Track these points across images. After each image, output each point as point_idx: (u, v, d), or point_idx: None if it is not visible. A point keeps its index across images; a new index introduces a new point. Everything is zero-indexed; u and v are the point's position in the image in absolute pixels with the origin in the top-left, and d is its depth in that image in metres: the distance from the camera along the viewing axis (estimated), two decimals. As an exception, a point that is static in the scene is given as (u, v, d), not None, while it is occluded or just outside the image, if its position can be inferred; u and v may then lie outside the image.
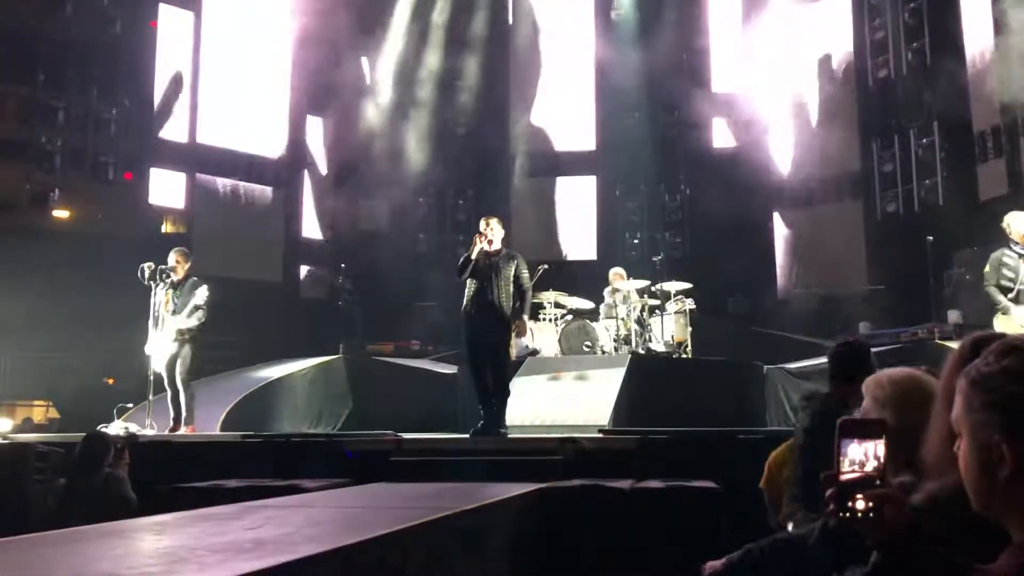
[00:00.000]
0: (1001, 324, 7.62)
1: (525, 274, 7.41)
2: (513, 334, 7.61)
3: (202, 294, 8.40)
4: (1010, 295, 7.59)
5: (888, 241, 15.22)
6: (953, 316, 12.01)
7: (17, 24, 15.28)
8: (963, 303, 12.04)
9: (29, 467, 6.70)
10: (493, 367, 7.34)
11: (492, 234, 7.36)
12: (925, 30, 15.27)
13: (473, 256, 7.29)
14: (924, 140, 15.15)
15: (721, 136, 18.05)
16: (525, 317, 7.54)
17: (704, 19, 18.26)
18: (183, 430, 8.36)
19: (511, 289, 7.24)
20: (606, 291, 11.69)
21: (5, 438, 8.08)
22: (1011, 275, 7.63)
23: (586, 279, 13.17)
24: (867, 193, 16.18)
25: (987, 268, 7.93)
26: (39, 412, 14.25)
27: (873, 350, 10.99)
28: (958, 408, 1.43)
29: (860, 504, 1.43)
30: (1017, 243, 7.63)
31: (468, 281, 7.35)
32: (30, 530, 5.19)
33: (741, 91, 17.70)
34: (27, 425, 12.71)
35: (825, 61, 16.86)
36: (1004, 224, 7.82)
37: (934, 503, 1.62)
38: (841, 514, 1.44)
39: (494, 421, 7.31)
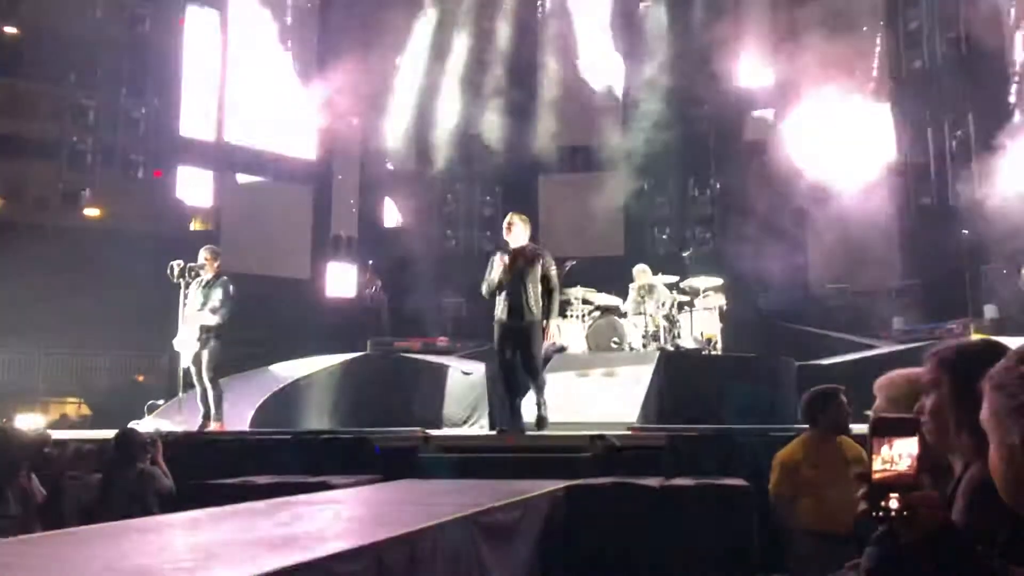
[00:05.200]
0: None
1: (553, 272, 7.32)
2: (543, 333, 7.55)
3: (224, 292, 8.42)
4: None
5: (922, 235, 14.98)
6: (989, 311, 11.81)
7: (48, 25, 15.50)
8: (999, 297, 11.83)
9: (64, 463, 6.77)
10: (526, 368, 7.31)
11: (516, 232, 7.28)
12: (961, 19, 14.99)
13: (495, 279, 7.21)
14: (959, 132, 14.89)
15: (751, 130, 17.86)
16: (554, 320, 7.45)
17: (733, 11, 18.05)
18: (213, 427, 8.42)
19: (539, 288, 7.16)
20: (631, 287, 11.60)
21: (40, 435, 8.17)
22: None
23: (614, 275, 13.08)
24: (901, 186, 15.93)
25: None
26: (72, 409, 14.46)
27: (907, 346, 10.84)
28: (985, 411, 1.42)
29: (894, 504, 1.41)
30: None
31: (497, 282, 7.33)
32: (65, 526, 5.25)
33: (772, 84, 17.50)
34: (64, 422, 12.89)
35: (857, 52, 16.61)
36: None
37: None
38: (874, 514, 1.42)
39: (536, 420, 7.34)
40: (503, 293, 7.21)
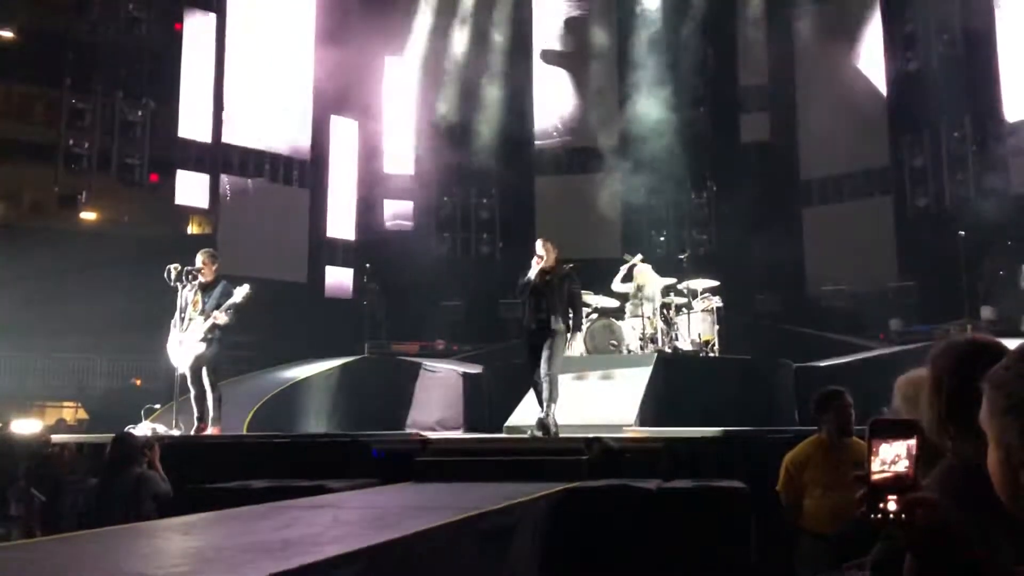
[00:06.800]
0: None
1: (577, 289, 8.01)
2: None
3: (241, 292, 8.39)
4: None
5: (919, 236, 15.00)
6: (986, 312, 11.82)
7: (45, 28, 15.49)
8: (997, 298, 11.84)
9: (64, 465, 6.75)
10: (545, 374, 7.69)
11: (546, 254, 7.86)
12: (956, 22, 15.02)
13: (532, 277, 7.82)
14: (955, 134, 14.92)
15: (749, 131, 17.88)
16: (574, 332, 8.07)
17: (730, 13, 18.08)
18: (210, 430, 8.38)
19: (565, 305, 7.81)
20: (629, 288, 11.59)
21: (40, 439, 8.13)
22: None
23: (611, 277, 13.09)
24: (897, 188, 15.96)
25: None
26: (68, 413, 14.42)
27: (904, 347, 10.80)
28: (983, 411, 1.41)
29: (892, 506, 1.41)
30: None
31: (528, 298, 7.91)
32: (63, 529, 5.24)
33: (769, 85, 17.53)
34: (61, 426, 12.86)
35: (854, 54, 16.64)
36: None
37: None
38: (873, 516, 1.42)
39: (545, 420, 7.63)
40: (531, 305, 7.81)
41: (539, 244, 7.95)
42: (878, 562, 1.84)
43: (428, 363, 12.34)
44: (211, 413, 8.37)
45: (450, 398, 10.93)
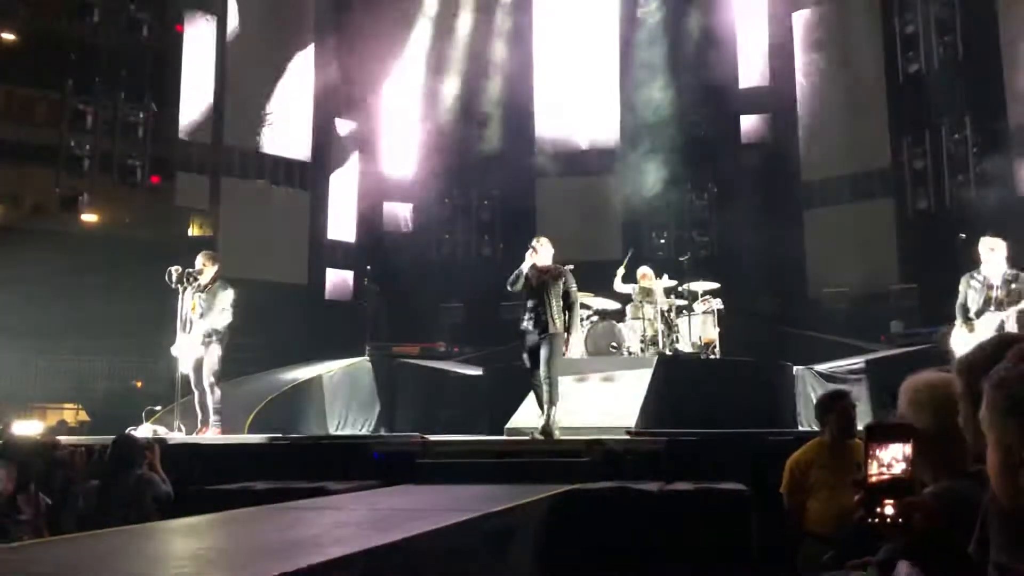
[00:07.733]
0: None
1: (573, 289, 7.92)
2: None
3: (228, 296, 8.44)
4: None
5: (920, 238, 14.98)
6: (987, 314, 11.75)
7: (46, 30, 15.51)
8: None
9: (73, 468, 6.74)
10: (544, 377, 7.70)
11: (542, 252, 7.87)
12: (957, 22, 15.01)
13: (524, 269, 7.78)
14: (956, 135, 14.91)
15: (749, 133, 17.88)
16: (573, 334, 8.05)
17: (731, 14, 18.08)
18: (211, 432, 8.40)
19: (561, 304, 7.80)
20: (633, 291, 11.60)
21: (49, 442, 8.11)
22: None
23: (611, 279, 13.11)
24: (898, 190, 15.94)
25: None
26: (70, 415, 14.41)
27: (905, 349, 10.79)
28: (983, 411, 1.41)
29: (889, 510, 1.41)
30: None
31: (525, 297, 7.91)
32: (62, 532, 5.23)
33: (769, 87, 17.53)
34: (62, 428, 12.85)
35: (854, 56, 16.64)
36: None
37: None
38: (870, 519, 1.42)
39: (546, 424, 7.61)
40: (528, 306, 7.81)
41: (535, 241, 7.96)
42: (884, 562, 1.83)
43: (429, 364, 12.35)
44: (212, 415, 8.41)
45: (452, 400, 10.96)
